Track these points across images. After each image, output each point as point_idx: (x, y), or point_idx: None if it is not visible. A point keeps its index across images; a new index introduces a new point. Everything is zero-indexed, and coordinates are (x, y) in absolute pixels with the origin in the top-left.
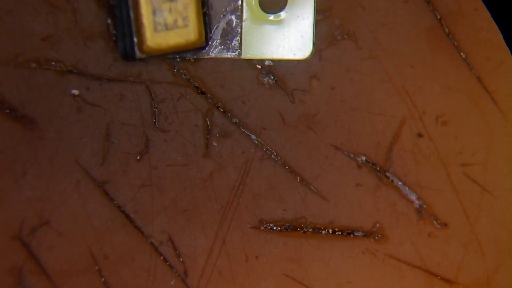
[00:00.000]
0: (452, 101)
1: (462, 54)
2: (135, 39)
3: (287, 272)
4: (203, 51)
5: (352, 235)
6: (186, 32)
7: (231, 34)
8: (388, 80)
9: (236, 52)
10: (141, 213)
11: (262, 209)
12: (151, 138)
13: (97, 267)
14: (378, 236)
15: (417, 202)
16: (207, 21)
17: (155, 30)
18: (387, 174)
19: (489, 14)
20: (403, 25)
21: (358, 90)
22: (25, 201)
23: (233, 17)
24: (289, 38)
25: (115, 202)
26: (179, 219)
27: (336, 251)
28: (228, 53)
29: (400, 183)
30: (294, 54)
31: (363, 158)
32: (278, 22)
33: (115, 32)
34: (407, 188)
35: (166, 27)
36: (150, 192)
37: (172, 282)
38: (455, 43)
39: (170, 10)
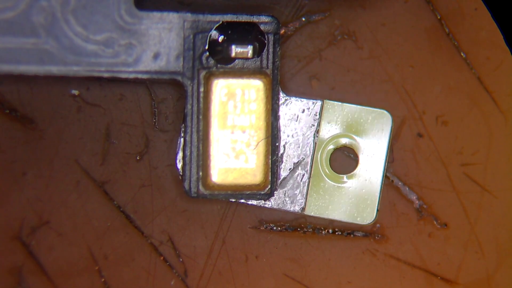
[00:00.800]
0: (452, 101)
1: (462, 54)
2: (200, 173)
3: (287, 272)
4: (266, 200)
5: (352, 235)
6: (252, 172)
7: (297, 188)
8: (388, 80)
9: (300, 208)
10: (141, 213)
11: (262, 209)
12: (151, 138)
13: (97, 267)
14: (378, 236)
15: (417, 202)
16: (275, 170)
17: (221, 164)
18: (387, 174)
19: (489, 14)
20: (403, 25)
21: (358, 90)
22: (25, 201)
23: (301, 172)
24: (354, 202)
25: (115, 202)
26: (179, 219)
27: (336, 251)
28: (292, 207)
29: (400, 183)
30: (357, 219)
31: None
32: (346, 184)
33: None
34: (407, 188)
35: (233, 163)
36: (150, 192)
37: (172, 282)
38: (455, 43)
39: (238, 145)
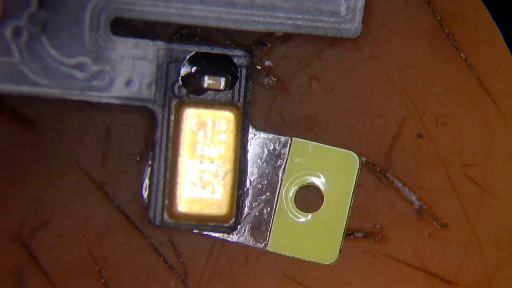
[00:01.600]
0: (452, 102)
1: (462, 55)
2: (166, 201)
3: (287, 273)
4: (230, 233)
5: (352, 236)
6: (218, 204)
7: (261, 224)
8: (388, 81)
9: (263, 244)
10: (141, 214)
11: None
12: (151, 139)
13: (97, 268)
14: (378, 237)
15: (417, 203)
16: (240, 204)
17: (188, 193)
18: (387, 175)
19: (489, 14)
20: (403, 25)
21: (358, 90)
22: (25, 202)
23: (266, 208)
24: (316, 241)
25: (115, 203)
26: None
27: None
28: (256, 243)
29: (400, 184)
30: (319, 258)
31: (364, 159)
32: (310, 222)
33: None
34: (407, 189)
35: (199, 193)
36: None
37: (172, 283)
38: (455, 44)
39: (206, 175)
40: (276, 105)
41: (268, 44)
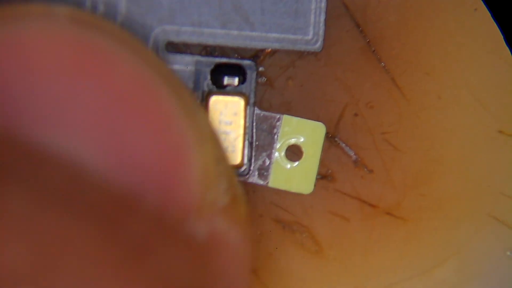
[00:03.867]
0: (376, 93)
1: (382, 64)
2: None
3: (273, 201)
4: (244, 175)
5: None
6: (233, 158)
7: (264, 169)
8: (336, 80)
9: (266, 182)
10: None
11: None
12: None
13: None
14: (329, 178)
15: (354, 156)
16: (249, 157)
17: None
18: (336, 139)
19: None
20: (346, 44)
21: (317, 86)
22: None
23: (267, 159)
24: (300, 178)
25: None
26: None
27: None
28: (261, 181)
29: (343, 145)
30: (302, 189)
31: None
32: (295, 166)
33: None
34: (348, 148)
35: None
36: None
37: None
38: (378, 57)
39: (225, 139)
40: (266, 96)
41: (261, 57)
